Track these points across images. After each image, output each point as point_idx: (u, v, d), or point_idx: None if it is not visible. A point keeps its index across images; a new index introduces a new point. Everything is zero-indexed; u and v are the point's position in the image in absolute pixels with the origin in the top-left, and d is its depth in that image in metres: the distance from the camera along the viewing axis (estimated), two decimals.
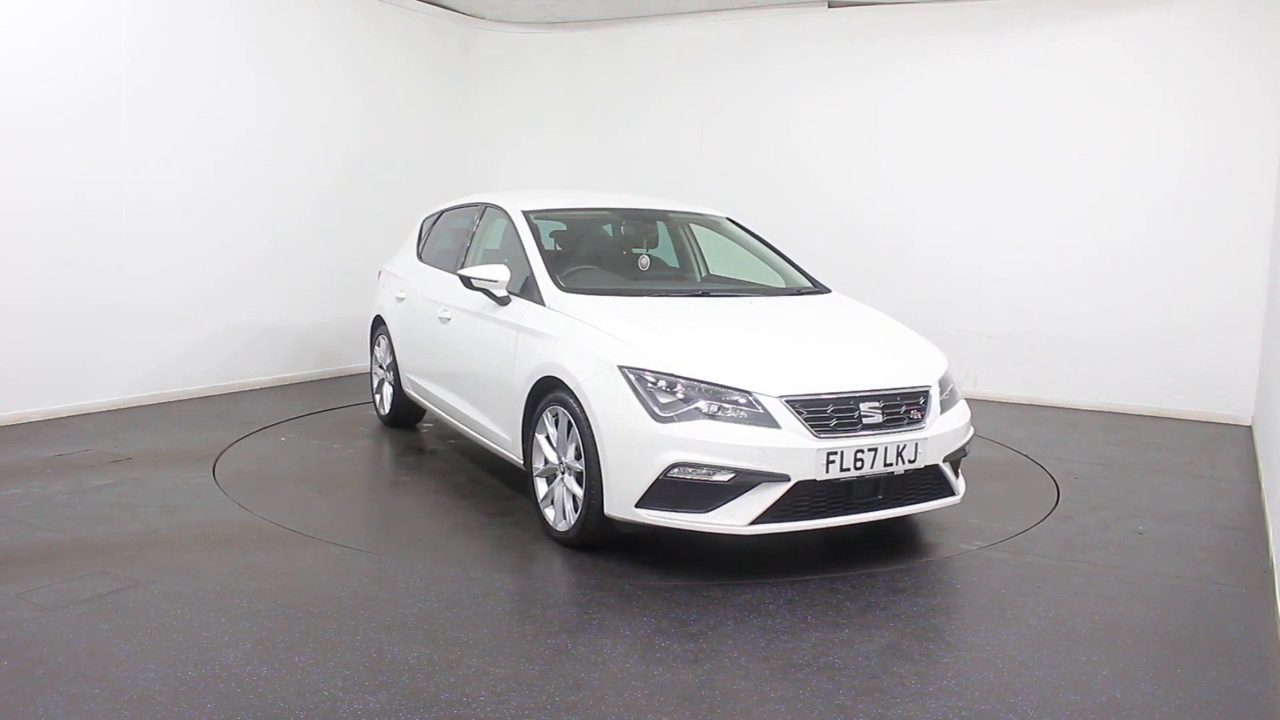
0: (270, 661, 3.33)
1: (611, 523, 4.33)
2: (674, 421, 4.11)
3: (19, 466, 5.58)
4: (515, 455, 5.01)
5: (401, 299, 6.55)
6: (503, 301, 5.18)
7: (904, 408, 4.37)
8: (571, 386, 4.43)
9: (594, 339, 4.50)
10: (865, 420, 4.24)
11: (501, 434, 5.16)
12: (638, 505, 4.18)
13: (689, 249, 6.23)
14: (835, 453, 4.13)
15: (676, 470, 4.08)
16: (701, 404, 4.14)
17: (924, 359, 4.75)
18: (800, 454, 4.08)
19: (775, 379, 4.22)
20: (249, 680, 3.19)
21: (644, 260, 5.82)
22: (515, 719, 3.00)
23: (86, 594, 3.84)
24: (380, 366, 6.99)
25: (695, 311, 4.99)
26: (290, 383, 8.39)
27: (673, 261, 6.15)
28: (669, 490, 4.12)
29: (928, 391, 4.49)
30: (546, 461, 4.67)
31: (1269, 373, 6.45)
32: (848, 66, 9.05)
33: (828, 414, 4.18)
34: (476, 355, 5.43)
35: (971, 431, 4.77)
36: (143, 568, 4.14)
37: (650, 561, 4.41)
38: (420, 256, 6.67)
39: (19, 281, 6.50)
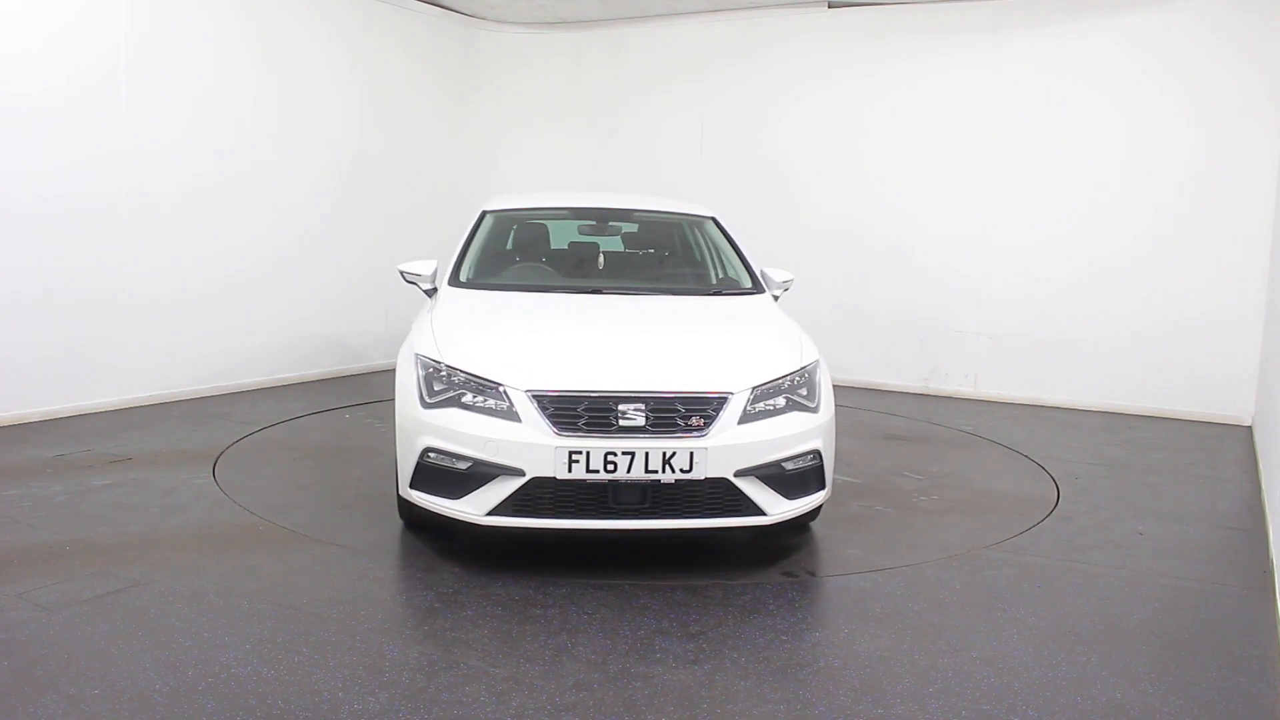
0: (270, 661, 3.33)
1: (408, 504, 4.50)
2: (434, 409, 4.23)
3: (19, 466, 5.58)
4: None
5: None
6: (430, 294, 5.42)
7: (683, 413, 4.10)
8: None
9: (423, 328, 4.69)
10: (623, 422, 4.05)
11: None
12: (410, 486, 4.34)
13: (704, 250, 6.18)
14: (579, 452, 4.00)
15: (432, 455, 4.20)
16: (465, 394, 4.22)
17: (749, 365, 4.37)
18: (536, 449, 4.02)
19: (528, 373, 4.18)
20: (249, 680, 3.19)
21: (600, 259, 5.95)
22: (515, 719, 3.00)
23: (86, 594, 3.84)
24: None
25: (559, 309, 4.98)
26: (293, 383, 8.38)
27: (691, 261, 6.14)
28: (429, 474, 4.25)
29: (725, 399, 4.15)
30: None
31: (1269, 373, 6.45)
32: (848, 67, 9.05)
33: (578, 412, 4.06)
34: None
35: (806, 445, 4.31)
36: (143, 568, 4.14)
37: (650, 561, 4.42)
38: None
39: (19, 280, 6.49)
